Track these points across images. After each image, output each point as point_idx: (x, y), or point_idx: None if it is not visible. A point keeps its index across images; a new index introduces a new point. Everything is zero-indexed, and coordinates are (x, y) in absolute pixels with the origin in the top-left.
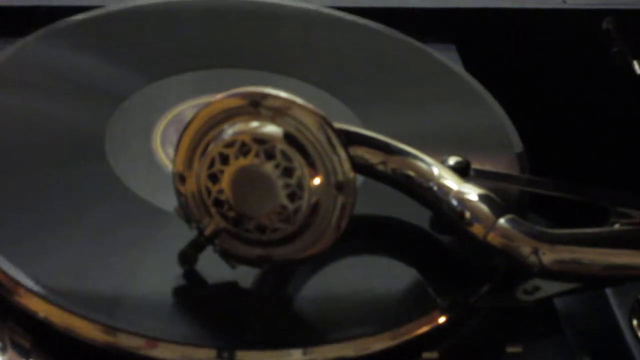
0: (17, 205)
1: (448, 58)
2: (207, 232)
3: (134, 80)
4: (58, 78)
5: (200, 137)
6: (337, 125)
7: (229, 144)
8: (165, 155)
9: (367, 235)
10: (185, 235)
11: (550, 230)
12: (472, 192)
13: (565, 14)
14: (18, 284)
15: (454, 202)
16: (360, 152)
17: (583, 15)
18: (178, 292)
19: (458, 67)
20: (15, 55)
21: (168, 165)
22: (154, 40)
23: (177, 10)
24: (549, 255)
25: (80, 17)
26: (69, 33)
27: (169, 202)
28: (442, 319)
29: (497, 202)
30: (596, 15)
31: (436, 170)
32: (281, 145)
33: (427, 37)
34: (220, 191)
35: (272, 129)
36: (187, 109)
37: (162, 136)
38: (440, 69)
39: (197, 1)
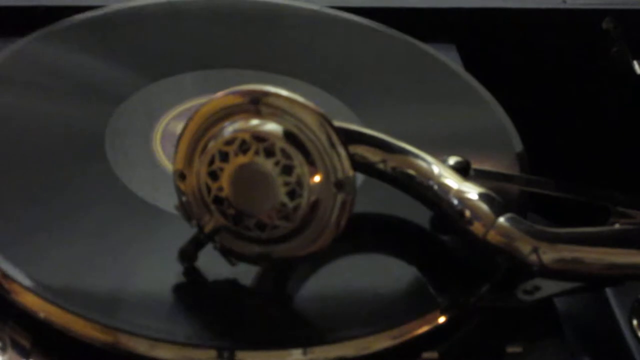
0: (17, 205)
1: (448, 58)
2: (207, 229)
3: (134, 80)
4: (58, 78)
5: (200, 134)
6: (337, 123)
7: (229, 142)
8: (165, 155)
9: (367, 234)
10: (185, 235)
11: (550, 229)
12: (472, 191)
13: (565, 14)
14: (18, 283)
15: (454, 201)
16: (360, 150)
17: (583, 15)
18: (178, 292)
19: (458, 67)
20: (15, 55)
21: (168, 165)
22: (154, 40)
23: (177, 10)
24: (549, 254)
25: (80, 17)
26: (69, 33)
27: (168, 202)
28: (442, 319)
29: (497, 201)
30: (596, 15)
31: (436, 169)
32: (281, 143)
33: (427, 37)
34: (220, 189)
35: (272, 127)
36: (186, 109)
37: (162, 136)
38: (440, 69)
39: (197, 1)
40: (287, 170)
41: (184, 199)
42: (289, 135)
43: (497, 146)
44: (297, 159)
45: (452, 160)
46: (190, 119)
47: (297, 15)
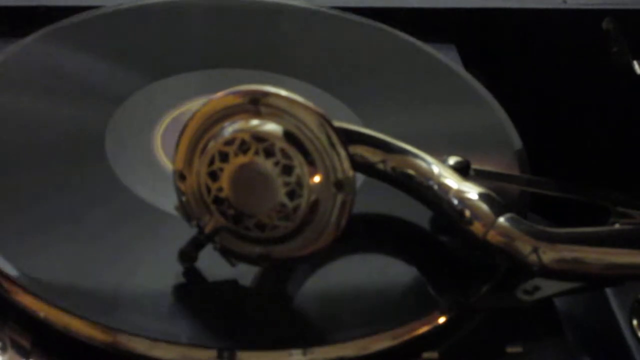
0: (18, 205)
1: (448, 58)
2: (207, 229)
3: (134, 80)
4: (58, 78)
5: (200, 134)
6: (337, 123)
7: (229, 142)
8: (166, 155)
9: (367, 234)
10: (185, 235)
11: (550, 229)
12: (472, 191)
13: (565, 14)
14: (18, 283)
15: (454, 201)
16: (360, 150)
17: (583, 15)
18: (178, 292)
19: (458, 67)
20: (15, 55)
21: (168, 165)
22: (154, 40)
23: (177, 9)
24: (549, 254)
25: (80, 17)
26: (69, 33)
27: (168, 202)
28: (442, 319)
29: (497, 201)
30: (596, 15)
31: (436, 168)
32: (281, 144)
33: (427, 37)
34: (220, 189)
35: (271, 127)
36: (187, 109)
37: (162, 136)
38: (440, 69)
39: (197, 1)
40: (287, 170)
41: (183, 199)
42: (288, 136)
43: (497, 146)
44: (297, 159)
45: (452, 160)
46: (190, 119)
47: (297, 15)
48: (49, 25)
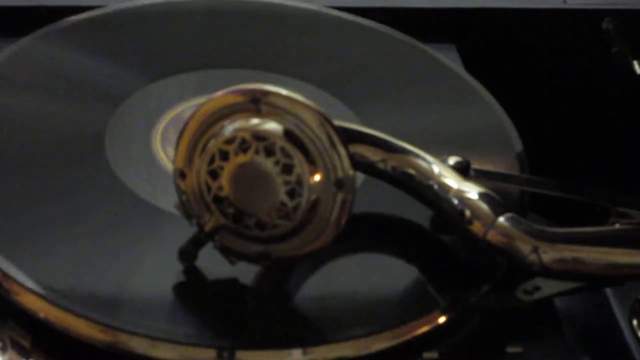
0: (17, 205)
1: (448, 58)
2: (207, 228)
3: (134, 80)
4: (58, 78)
5: (200, 133)
6: (338, 122)
7: (229, 141)
8: (166, 155)
9: (367, 234)
10: (185, 235)
11: (550, 229)
12: (472, 191)
13: (565, 14)
14: (18, 283)
15: (454, 201)
16: (361, 149)
17: (583, 15)
18: (178, 291)
19: (458, 67)
20: (15, 55)
21: (168, 165)
22: (154, 40)
23: (177, 10)
24: (549, 254)
25: (80, 17)
26: (69, 33)
27: (169, 202)
28: (442, 319)
29: (497, 201)
30: (596, 15)
31: (436, 168)
32: (281, 142)
33: (427, 37)
34: (220, 188)
35: (272, 126)
36: (187, 109)
37: (162, 136)
38: (440, 69)
39: (197, 1)
40: (287, 169)
41: (184, 197)
42: (289, 134)
43: (497, 146)
44: (297, 158)
45: (452, 160)
46: (190, 117)
47: (297, 15)
48: (49, 25)
